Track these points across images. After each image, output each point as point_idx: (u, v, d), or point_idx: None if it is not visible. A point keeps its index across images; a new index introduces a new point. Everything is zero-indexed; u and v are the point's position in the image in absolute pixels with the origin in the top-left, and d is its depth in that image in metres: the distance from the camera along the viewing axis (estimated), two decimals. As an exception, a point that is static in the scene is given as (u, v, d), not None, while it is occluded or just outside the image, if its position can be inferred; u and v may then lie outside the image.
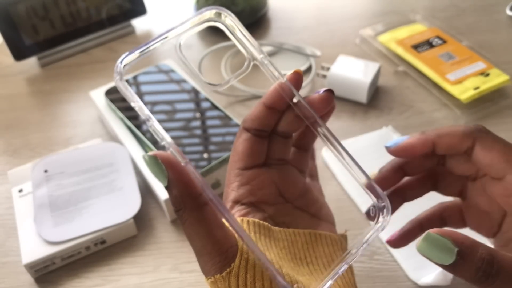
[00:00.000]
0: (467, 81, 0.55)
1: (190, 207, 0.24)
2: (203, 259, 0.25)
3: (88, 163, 0.47)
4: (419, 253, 0.24)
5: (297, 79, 0.27)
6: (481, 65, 0.56)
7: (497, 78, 0.55)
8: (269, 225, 0.27)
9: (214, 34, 0.68)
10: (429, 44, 0.60)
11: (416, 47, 0.60)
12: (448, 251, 0.23)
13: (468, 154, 0.29)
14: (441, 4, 0.71)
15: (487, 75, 0.55)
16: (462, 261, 0.23)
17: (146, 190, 0.47)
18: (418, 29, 0.63)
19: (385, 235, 0.36)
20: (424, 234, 0.23)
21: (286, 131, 0.29)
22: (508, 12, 0.68)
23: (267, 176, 0.29)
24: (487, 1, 0.71)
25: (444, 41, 0.60)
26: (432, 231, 0.23)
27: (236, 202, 0.28)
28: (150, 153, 0.24)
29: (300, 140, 0.31)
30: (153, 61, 0.64)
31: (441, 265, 0.23)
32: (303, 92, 0.58)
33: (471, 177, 0.31)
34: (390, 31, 0.63)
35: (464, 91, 0.53)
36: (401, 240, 0.34)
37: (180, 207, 0.24)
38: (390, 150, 0.30)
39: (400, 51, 0.60)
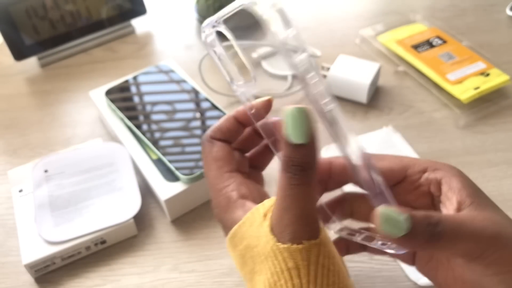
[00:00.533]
0: (467, 81, 0.55)
1: (312, 171, 0.25)
2: (297, 224, 0.25)
3: (88, 163, 0.47)
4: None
5: (266, 106, 0.31)
6: (481, 65, 0.56)
7: (497, 78, 0.55)
8: None
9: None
10: (429, 44, 0.60)
11: (416, 47, 0.60)
12: (399, 225, 0.24)
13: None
14: (441, 4, 0.71)
15: (487, 75, 0.55)
16: (413, 230, 0.24)
17: (146, 190, 0.47)
18: (418, 29, 0.63)
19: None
20: (377, 212, 0.24)
21: (244, 147, 0.32)
22: (508, 12, 0.68)
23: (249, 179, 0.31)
24: (487, 1, 0.71)
25: (444, 41, 0.60)
26: (382, 207, 0.24)
27: (244, 198, 0.29)
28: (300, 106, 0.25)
29: (256, 160, 0.34)
30: (153, 61, 0.64)
31: (392, 239, 0.24)
32: (301, 93, 0.58)
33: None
34: (390, 31, 0.63)
35: (464, 91, 0.53)
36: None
37: (307, 166, 0.25)
38: None
39: (400, 51, 0.60)
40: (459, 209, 0.27)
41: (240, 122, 0.31)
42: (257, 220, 0.27)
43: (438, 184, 0.29)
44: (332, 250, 0.27)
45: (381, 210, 0.24)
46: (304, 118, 0.25)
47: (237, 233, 0.28)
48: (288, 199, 0.25)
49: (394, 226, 0.24)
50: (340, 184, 0.31)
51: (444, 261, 0.30)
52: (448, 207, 0.28)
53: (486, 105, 0.53)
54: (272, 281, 0.25)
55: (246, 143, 0.33)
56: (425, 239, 0.24)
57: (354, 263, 0.41)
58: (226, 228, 0.29)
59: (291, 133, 0.25)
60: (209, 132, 0.31)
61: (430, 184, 0.29)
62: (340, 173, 0.30)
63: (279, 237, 0.25)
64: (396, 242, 0.24)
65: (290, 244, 0.25)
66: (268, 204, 0.28)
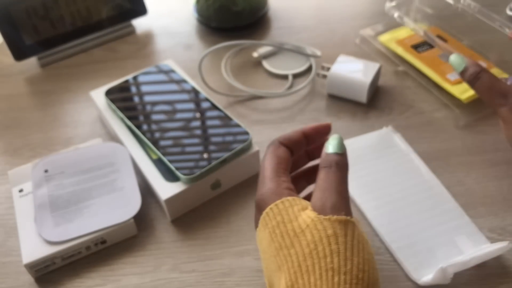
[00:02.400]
0: (467, 81, 0.55)
1: (345, 168, 0.33)
2: (336, 199, 0.30)
3: (89, 163, 0.47)
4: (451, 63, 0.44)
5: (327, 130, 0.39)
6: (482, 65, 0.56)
7: (497, 78, 0.55)
8: None
9: (214, 34, 0.68)
10: (429, 44, 0.60)
11: (416, 47, 0.60)
12: (461, 64, 0.44)
13: None
14: (441, 3, 0.71)
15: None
16: (466, 70, 0.43)
17: (146, 190, 0.47)
18: (420, 27, 0.63)
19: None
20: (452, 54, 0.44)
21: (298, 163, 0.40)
22: (508, 12, 0.68)
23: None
24: (487, 1, 0.71)
25: (444, 41, 0.60)
26: (455, 53, 0.44)
27: (291, 190, 0.33)
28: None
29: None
30: (153, 61, 0.64)
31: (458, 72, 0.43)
32: (303, 92, 0.58)
33: None
34: (390, 31, 0.63)
35: (464, 91, 0.53)
36: None
37: (342, 163, 0.33)
38: None
39: (400, 51, 0.60)
40: None
41: (307, 137, 0.37)
42: (297, 206, 0.31)
43: None
44: (365, 236, 0.30)
45: (454, 54, 0.44)
46: (340, 139, 0.34)
47: (273, 209, 0.31)
48: (328, 181, 0.31)
49: (458, 64, 0.44)
50: (315, 141, 0.38)
51: None
52: None
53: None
54: (308, 250, 0.28)
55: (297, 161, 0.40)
56: (469, 79, 0.43)
57: (354, 263, 0.41)
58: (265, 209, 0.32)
59: (334, 147, 0.33)
60: (279, 137, 0.36)
61: None
62: (315, 135, 0.38)
63: (319, 211, 0.30)
64: (459, 75, 0.44)
65: (331, 215, 0.29)
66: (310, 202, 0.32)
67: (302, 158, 0.40)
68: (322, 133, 0.38)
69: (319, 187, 0.31)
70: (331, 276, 0.26)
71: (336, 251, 0.27)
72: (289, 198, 0.31)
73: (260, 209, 0.32)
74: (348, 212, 0.30)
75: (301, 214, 0.30)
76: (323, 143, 0.35)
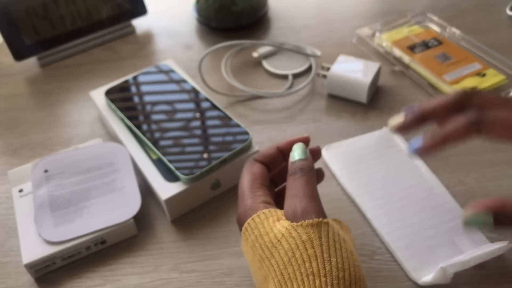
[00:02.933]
0: (464, 82, 0.55)
1: (311, 171, 0.34)
2: (306, 203, 0.31)
3: (88, 163, 0.47)
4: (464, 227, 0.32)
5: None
6: (477, 66, 0.57)
7: (493, 78, 0.55)
8: None
9: (214, 34, 0.68)
10: (425, 45, 0.60)
11: (412, 48, 0.60)
12: (486, 222, 0.31)
13: None
14: (441, 4, 0.71)
15: (484, 75, 0.56)
16: (499, 220, 0.30)
17: (146, 190, 0.47)
18: (416, 29, 0.63)
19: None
20: (463, 218, 0.32)
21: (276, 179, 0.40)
22: (508, 12, 0.68)
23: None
24: (487, 1, 0.71)
25: (440, 42, 0.60)
26: (466, 215, 0.31)
27: (267, 203, 0.34)
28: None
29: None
30: (153, 61, 0.64)
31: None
32: (303, 92, 0.58)
33: None
34: (389, 31, 0.63)
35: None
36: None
37: (307, 168, 0.34)
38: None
39: (396, 52, 0.60)
40: None
41: (281, 151, 0.37)
42: (272, 217, 0.31)
43: None
44: (342, 234, 0.30)
45: (465, 218, 0.31)
46: (303, 146, 0.35)
47: (250, 224, 0.32)
48: (296, 187, 0.32)
49: (483, 222, 0.31)
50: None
51: None
52: None
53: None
54: (287, 258, 0.29)
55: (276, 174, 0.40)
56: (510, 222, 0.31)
57: (354, 263, 0.41)
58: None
59: (297, 154, 0.34)
60: (255, 156, 0.37)
61: None
62: (289, 149, 0.37)
63: (292, 219, 0.30)
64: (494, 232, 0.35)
65: (302, 221, 0.29)
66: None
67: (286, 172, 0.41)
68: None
69: (288, 195, 0.32)
70: (313, 280, 0.27)
71: (313, 255, 0.28)
72: (265, 210, 0.32)
73: (240, 226, 0.34)
74: (319, 214, 0.30)
75: (276, 225, 0.30)
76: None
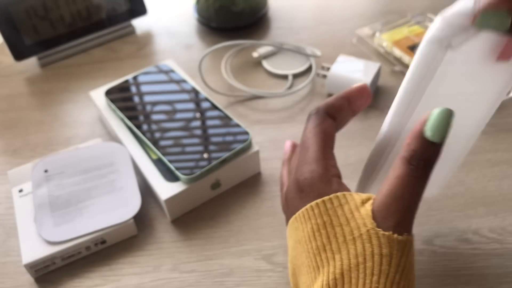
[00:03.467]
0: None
1: (432, 169, 0.26)
2: (404, 215, 0.26)
3: (88, 163, 0.47)
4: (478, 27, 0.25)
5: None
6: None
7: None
8: None
9: (214, 34, 0.68)
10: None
11: (413, 48, 0.60)
12: (504, 19, 0.25)
13: None
14: (441, 4, 0.71)
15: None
16: None
17: (146, 190, 0.47)
18: (416, 30, 0.63)
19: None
20: (480, 13, 0.25)
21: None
22: (508, 12, 0.68)
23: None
24: (487, 1, 0.71)
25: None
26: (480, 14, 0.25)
27: (339, 178, 0.30)
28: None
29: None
30: (153, 61, 0.64)
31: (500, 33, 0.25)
32: (303, 92, 0.58)
33: None
34: (389, 31, 0.63)
35: None
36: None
37: (430, 163, 0.26)
38: None
39: (396, 52, 0.60)
40: None
41: (350, 103, 0.32)
42: (348, 204, 0.27)
43: None
44: (413, 252, 0.27)
45: (479, 18, 0.25)
46: (449, 121, 0.26)
47: (320, 206, 0.28)
48: (404, 188, 0.26)
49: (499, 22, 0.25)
50: (360, 108, 0.33)
51: None
52: None
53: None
54: (355, 262, 0.25)
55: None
56: None
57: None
58: (311, 197, 0.29)
59: (432, 132, 0.25)
60: (324, 106, 0.31)
61: None
62: (358, 100, 0.32)
63: (380, 223, 0.26)
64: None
65: (391, 232, 0.25)
66: (365, 196, 0.28)
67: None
68: (365, 96, 0.33)
69: (387, 192, 0.26)
70: None
71: (386, 272, 0.25)
72: (339, 194, 0.27)
73: (302, 191, 0.29)
74: (410, 227, 0.26)
75: (355, 217, 0.26)
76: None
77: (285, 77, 0.60)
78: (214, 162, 0.44)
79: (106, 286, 0.41)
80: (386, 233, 0.25)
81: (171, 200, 0.43)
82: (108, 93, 0.53)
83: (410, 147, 0.26)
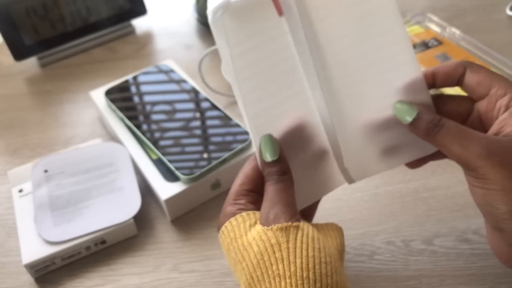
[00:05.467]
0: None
1: (286, 175, 0.32)
2: (278, 209, 0.30)
3: (88, 163, 0.47)
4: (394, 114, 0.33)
5: None
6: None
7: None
8: None
9: (214, 34, 0.68)
10: (424, 45, 0.60)
11: (413, 48, 0.60)
12: (411, 111, 0.32)
13: (460, 83, 0.34)
14: (441, 4, 0.71)
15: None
16: (419, 116, 0.31)
17: (146, 190, 0.47)
18: (416, 29, 0.63)
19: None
20: (396, 102, 0.33)
21: None
22: (508, 12, 0.68)
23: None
24: (487, 1, 0.71)
25: (440, 42, 0.61)
26: (400, 101, 0.33)
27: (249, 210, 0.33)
28: None
29: None
30: (153, 61, 0.64)
31: (407, 125, 0.32)
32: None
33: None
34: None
35: (461, 91, 0.54)
36: None
37: (281, 172, 0.32)
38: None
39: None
40: (496, 133, 0.31)
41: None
42: (250, 221, 0.31)
43: (506, 107, 0.32)
44: (316, 235, 0.30)
45: (397, 101, 0.33)
46: (271, 143, 0.32)
47: (227, 227, 0.32)
48: (270, 193, 0.31)
49: (405, 112, 0.32)
50: (447, 85, 0.35)
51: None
52: (491, 127, 0.32)
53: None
54: (256, 261, 0.29)
55: None
56: (426, 128, 0.31)
57: (354, 263, 0.41)
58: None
59: (265, 155, 0.32)
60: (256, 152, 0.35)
61: (500, 109, 0.32)
62: (445, 78, 0.34)
63: (265, 224, 0.30)
64: (408, 128, 0.32)
65: (273, 224, 0.30)
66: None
67: None
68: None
69: (264, 199, 0.32)
70: (279, 282, 0.28)
71: (280, 257, 0.28)
72: (243, 214, 0.32)
73: (218, 231, 0.33)
74: (291, 218, 0.30)
75: (251, 229, 0.31)
76: None
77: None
78: (214, 162, 0.44)
79: (106, 286, 0.41)
80: (269, 227, 0.30)
81: (171, 200, 0.43)
82: (108, 93, 0.53)
83: (264, 173, 0.33)
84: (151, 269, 0.42)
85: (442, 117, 0.31)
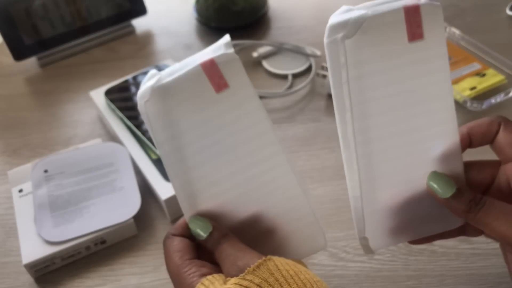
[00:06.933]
0: (463, 82, 0.55)
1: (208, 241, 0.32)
2: (242, 255, 0.30)
3: (88, 163, 0.47)
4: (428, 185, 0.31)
5: None
6: (476, 66, 0.57)
7: (493, 78, 0.55)
8: None
9: (214, 34, 0.68)
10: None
11: None
12: (449, 186, 0.30)
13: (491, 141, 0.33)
14: (441, 4, 0.71)
15: (483, 75, 0.56)
16: (459, 193, 0.29)
17: (146, 190, 0.47)
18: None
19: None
20: (431, 173, 0.31)
21: None
22: (508, 12, 0.68)
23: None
24: (487, 1, 0.71)
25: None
26: (435, 172, 0.31)
27: (205, 275, 0.31)
28: None
29: None
30: (153, 61, 0.64)
31: (442, 199, 0.30)
32: (302, 92, 0.58)
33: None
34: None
35: (461, 91, 0.54)
36: None
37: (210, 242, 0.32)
38: None
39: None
40: None
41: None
42: (218, 281, 0.30)
43: None
44: (287, 261, 0.29)
45: (432, 172, 0.31)
46: (198, 221, 0.32)
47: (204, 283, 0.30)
48: (225, 251, 0.31)
49: (443, 186, 0.30)
50: (484, 144, 0.34)
51: None
52: None
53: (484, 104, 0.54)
54: None
55: None
56: (468, 206, 0.29)
57: (354, 263, 0.41)
58: None
59: (198, 234, 0.32)
60: (170, 230, 0.34)
61: None
62: (481, 138, 0.33)
63: (235, 276, 0.29)
64: (443, 203, 0.30)
65: (248, 268, 0.28)
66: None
67: None
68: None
69: (222, 262, 0.31)
70: None
71: None
72: (208, 277, 0.30)
73: None
74: (258, 257, 0.29)
75: (224, 287, 0.29)
76: None
77: (285, 77, 0.60)
78: (214, 162, 0.44)
79: (106, 286, 0.41)
80: (244, 272, 0.28)
81: (171, 200, 0.43)
82: (108, 93, 0.53)
83: (208, 246, 0.32)
84: (151, 269, 0.42)
85: (482, 195, 0.29)
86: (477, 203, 0.29)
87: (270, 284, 0.27)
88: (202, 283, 0.29)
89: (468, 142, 0.33)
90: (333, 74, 0.30)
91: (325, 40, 0.30)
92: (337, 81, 0.30)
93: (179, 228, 0.34)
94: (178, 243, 0.33)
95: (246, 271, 0.28)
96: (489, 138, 0.32)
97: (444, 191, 0.30)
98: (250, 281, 0.28)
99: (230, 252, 0.30)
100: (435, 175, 0.31)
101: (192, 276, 0.31)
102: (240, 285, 0.28)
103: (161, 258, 0.43)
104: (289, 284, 0.27)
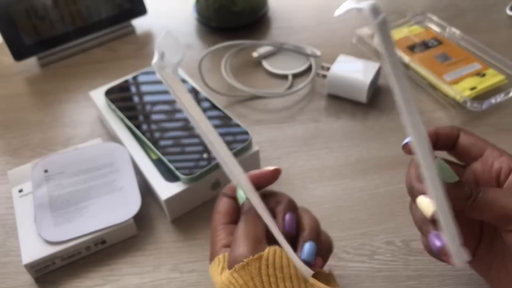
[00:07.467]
0: (463, 82, 0.55)
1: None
2: (238, 243, 0.31)
3: (88, 163, 0.47)
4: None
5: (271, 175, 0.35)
6: (476, 66, 0.57)
7: (493, 78, 0.55)
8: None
9: (214, 34, 0.68)
10: (424, 45, 0.60)
11: (412, 48, 0.60)
12: (454, 175, 0.31)
13: (452, 147, 0.35)
14: (441, 4, 0.71)
15: (483, 75, 0.56)
16: (461, 182, 0.31)
17: (146, 190, 0.47)
18: (415, 29, 0.63)
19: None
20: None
21: None
22: (508, 12, 0.68)
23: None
24: (487, 1, 0.71)
25: (440, 42, 0.61)
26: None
27: (226, 246, 0.33)
28: None
29: None
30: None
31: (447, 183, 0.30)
32: (302, 92, 0.58)
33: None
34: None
35: (461, 91, 0.54)
36: None
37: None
38: (406, 148, 0.35)
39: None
40: None
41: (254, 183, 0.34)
42: (221, 264, 0.32)
43: (509, 171, 0.32)
44: (279, 261, 0.30)
45: (439, 161, 0.32)
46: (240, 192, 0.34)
47: (210, 271, 0.33)
48: (236, 231, 0.32)
49: (447, 174, 0.31)
50: (444, 148, 0.36)
51: (499, 257, 0.33)
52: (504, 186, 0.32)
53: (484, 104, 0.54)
54: None
55: None
56: (469, 191, 0.30)
57: (354, 263, 0.41)
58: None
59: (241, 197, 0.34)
60: (223, 189, 0.36)
61: (501, 169, 0.32)
62: (445, 138, 0.35)
63: (229, 267, 0.30)
64: (447, 188, 0.30)
65: (236, 265, 0.30)
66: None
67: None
68: (269, 180, 0.35)
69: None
70: None
71: None
72: (219, 256, 0.32)
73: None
74: (251, 250, 0.30)
75: (223, 272, 0.31)
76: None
77: (285, 77, 0.60)
78: (214, 162, 0.44)
79: (106, 286, 0.41)
80: (232, 269, 0.30)
81: (171, 200, 0.43)
82: (108, 93, 0.53)
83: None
84: (151, 269, 0.42)
85: (479, 186, 0.31)
86: (476, 190, 0.31)
87: (256, 285, 0.29)
88: (214, 261, 0.32)
89: (435, 139, 0.34)
90: (390, 56, 0.28)
91: (374, 22, 0.28)
92: (396, 63, 0.28)
93: (229, 189, 0.36)
94: (222, 204, 0.35)
95: (234, 267, 0.30)
96: (451, 141, 0.35)
97: (449, 178, 0.31)
98: (236, 280, 0.29)
99: (235, 234, 0.32)
100: (442, 164, 0.32)
101: (218, 243, 0.33)
102: (230, 281, 0.30)
103: (161, 258, 0.43)
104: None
